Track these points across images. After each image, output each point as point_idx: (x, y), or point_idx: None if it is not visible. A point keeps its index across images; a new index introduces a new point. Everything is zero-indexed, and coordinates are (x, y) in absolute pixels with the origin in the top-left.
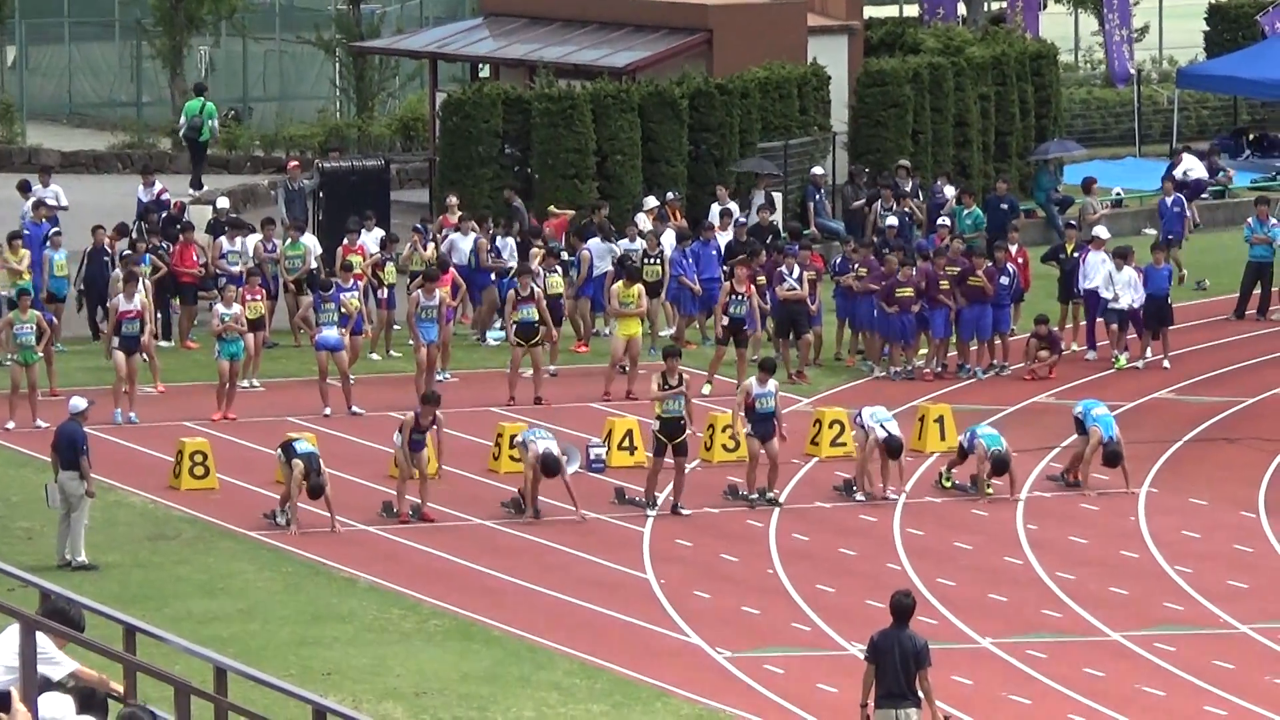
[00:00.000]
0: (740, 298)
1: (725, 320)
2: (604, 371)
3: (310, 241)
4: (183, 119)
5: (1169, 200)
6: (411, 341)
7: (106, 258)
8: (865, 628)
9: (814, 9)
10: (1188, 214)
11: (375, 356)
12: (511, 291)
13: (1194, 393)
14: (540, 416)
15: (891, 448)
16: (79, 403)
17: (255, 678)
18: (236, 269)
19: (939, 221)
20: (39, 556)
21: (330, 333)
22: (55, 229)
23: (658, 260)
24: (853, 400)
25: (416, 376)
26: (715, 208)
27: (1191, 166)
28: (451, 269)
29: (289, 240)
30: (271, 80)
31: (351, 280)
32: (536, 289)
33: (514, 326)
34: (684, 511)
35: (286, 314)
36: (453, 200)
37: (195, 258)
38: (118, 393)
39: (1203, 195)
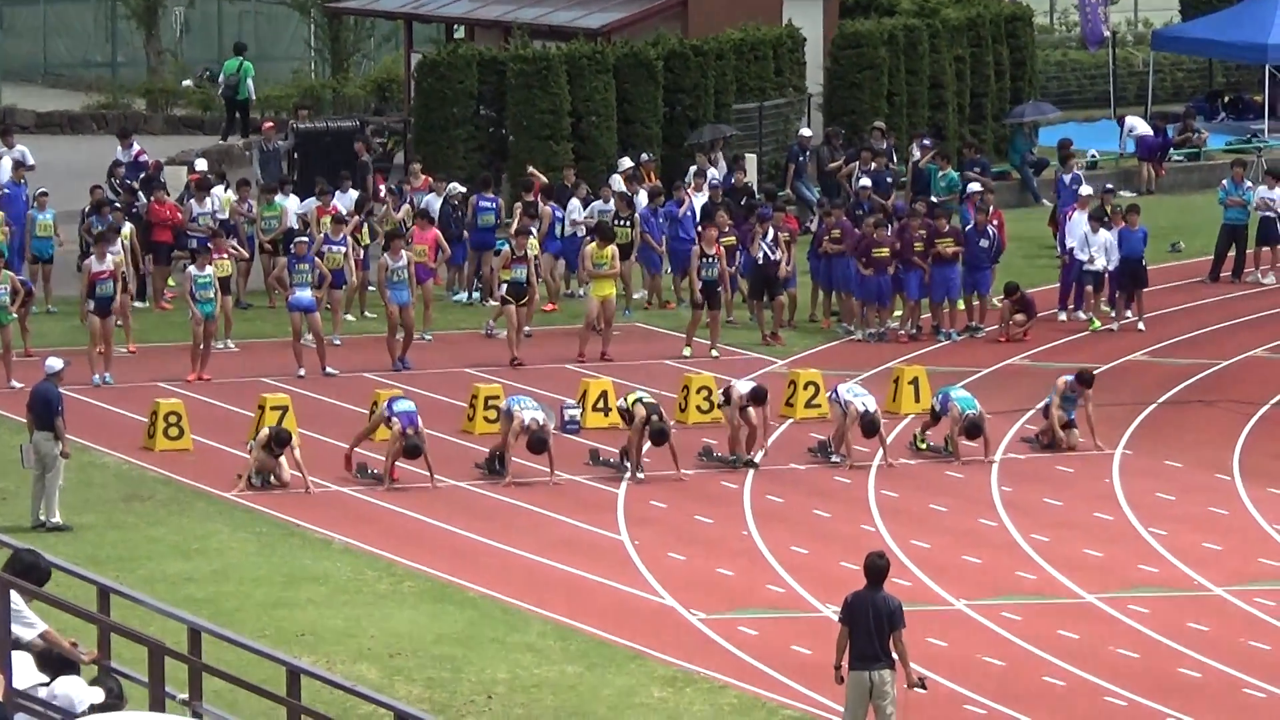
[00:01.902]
0: (711, 260)
1: (700, 284)
2: (578, 332)
3: (290, 203)
4: (220, 77)
5: (1066, 178)
6: (385, 305)
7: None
8: (839, 589)
9: None
10: (1084, 189)
11: (350, 318)
12: (506, 250)
13: (1169, 355)
14: (515, 378)
15: (866, 426)
16: (55, 363)
17: (229, 639)
18: (207, 230)
19: (971, 188)
20: (13, 517)
21: (304, 294)
22: (41, 190)
23: (628, 222)
24: (827, 362)
25: (389, 337)
26: (693, 170)
27: (1134, 125)
28: (435, 228)
29: (264, 201)
30: (246, 41)
31: (342, 234)
32: (531, 252)
33: (504, 285)
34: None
35: (262, 275)
36: (416, 166)
37: (167, 217)
38: (92, 355)
39: (1169, 154)
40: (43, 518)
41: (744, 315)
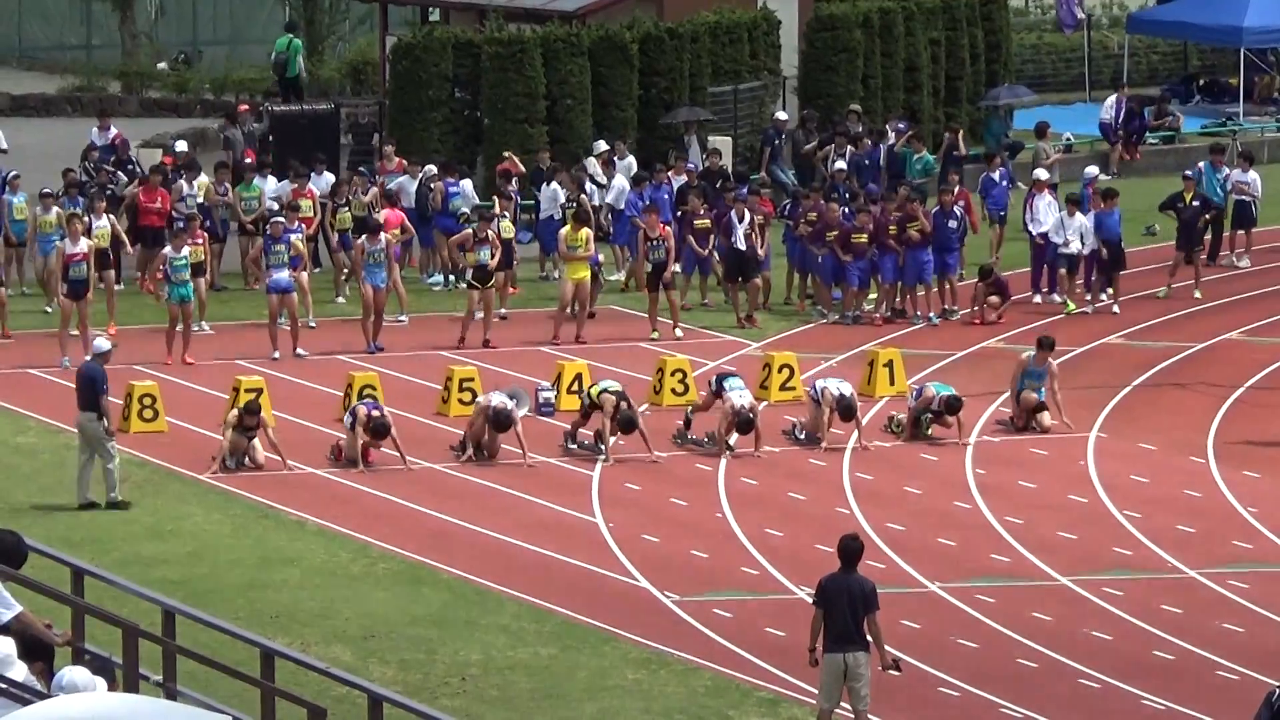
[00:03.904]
0: (657, 242)
1: (648, 267)
2: (553, 315)
3: (268, 184)
4: (271, 55)
5: (995, 174)
6: (359, 287)
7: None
8: (814, 572)
9: None
10: (1015, 186)
11: (342, 300)
12: (469, 232)
13: (1143, 338)
14: (489, 360)
15: (843, 410)
16: (103, 344)
17: (203, 620)
18: (190, 212)
19: (1088, 172)
20: None
21: (281, 275)
22: (14, 173)
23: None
24: (802, 345)
25: (363, 319)
26: (617, 161)
27: (1100, 109)
28: (399, 210)
29: (244, 182)
30: (221, 24)
31: (297, 222)
32: (493, 234)
33: (469, 269)
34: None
35: (238, 257)
36: (389, 149)
37: (157, 202)
38: (62, 337)
39: (1144, 138)
40: (91, 498)
41: (719, 298)
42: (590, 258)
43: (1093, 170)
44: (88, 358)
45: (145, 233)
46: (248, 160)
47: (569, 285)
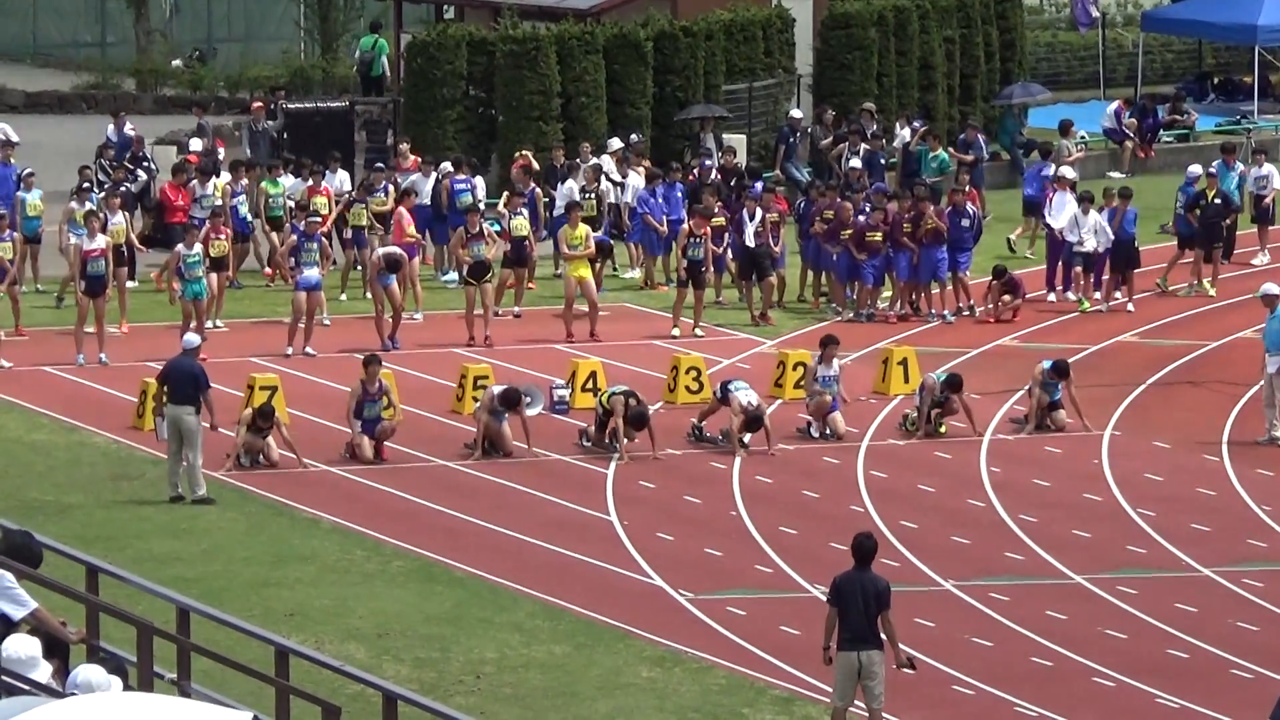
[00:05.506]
0: (698, 240)
1: (685, 262)
2: (562, 314)
3: (286, 182)
4: (355, 54)
5: (1046, 169)
6: (370, 294)
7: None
8: (828, 570)
9: None
10: (1064, 170)
11: (344, 297)
12: (460, 229)
13: (1157, 336)
14: (503, 358)
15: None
16: (193, 339)
17: (218, 618)
18: (206, 214)
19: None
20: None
21: (311, 273)
22: (28, 170)
23: (594, 195)
24: (817, 343)
25: (376, 317)
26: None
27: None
28: (402, 206)
29: (271, 179)
30: (236, 21)
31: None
32: (487, 228)
33: (465, 266)
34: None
35: (263, 254)
36: (404, 147)
37: (179, 200)
38: (78, 334)
39: (1159, 136)
40: (181, 491)
41: (733, 295)
42: (593, 246)
43: (1196, 169)
44: (186, 352)
45: (173, 230)
46: (219, 150)
47: (572, 282)
